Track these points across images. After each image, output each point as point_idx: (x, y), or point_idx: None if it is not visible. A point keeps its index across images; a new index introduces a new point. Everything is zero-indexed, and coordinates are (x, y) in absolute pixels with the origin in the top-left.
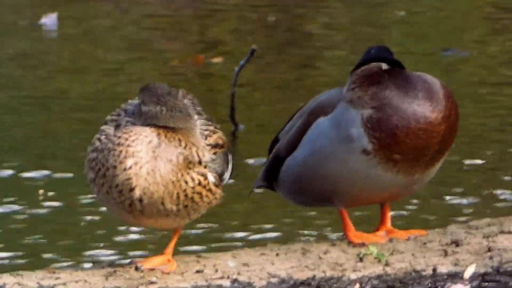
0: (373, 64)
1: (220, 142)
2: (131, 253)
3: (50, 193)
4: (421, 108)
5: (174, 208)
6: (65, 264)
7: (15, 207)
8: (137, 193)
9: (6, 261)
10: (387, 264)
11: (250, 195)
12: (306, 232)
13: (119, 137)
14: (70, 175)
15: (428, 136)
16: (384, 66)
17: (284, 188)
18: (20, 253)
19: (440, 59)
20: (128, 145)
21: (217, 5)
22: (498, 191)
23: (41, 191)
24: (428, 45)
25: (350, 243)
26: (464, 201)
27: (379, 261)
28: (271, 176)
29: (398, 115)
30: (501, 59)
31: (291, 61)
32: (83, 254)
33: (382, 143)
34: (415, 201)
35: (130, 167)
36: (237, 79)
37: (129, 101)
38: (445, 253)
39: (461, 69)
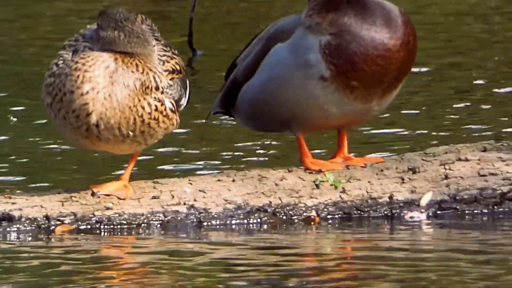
0: None
1: (178, 67)
2: (87, 179)
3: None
4: (380, 35)
5: (131, 133)
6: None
7: None
8: (94, 118)
9: None
10: (343, 191)
11: (207, 121)
12: (262, 158)
13: (76, 62)
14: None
15: (386, 63)
16: None
17: (241, 114)
18: None
19: None
20: (85, 70)
21: None
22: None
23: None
24: None
25: (306, 169)
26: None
27: (336, 188)
28: (228, 102)
29: (357, 42)
30: None
31: None
32: (39, 179)
33: (340, 70)
34: (371, 128)
35: (87, 92)
36: (196, 3)
37: (87, 26)
38: (402, 181)
39: None
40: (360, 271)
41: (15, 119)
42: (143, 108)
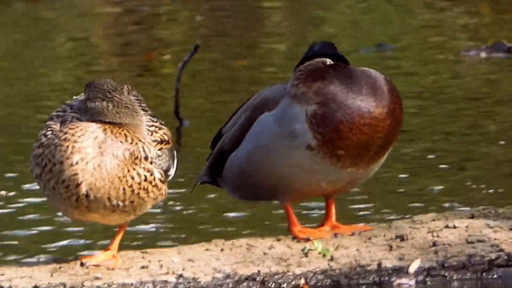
0: (317, 60)
1: (166, 138)
2: (76, 249)
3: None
4: (365, 103)
5: (120, 203)
6: (10, 259)
7: None
8: (83, 188)
9: None
10: (332, 259)
11: (193, 191)
12: (250, 227)
13: (66, 133)
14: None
15: (372, 131)
16: (328, 61)
17: (228, 183)
18: None
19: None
20: (75, 141)
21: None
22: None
23: (3, 192)
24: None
25: (295, 238)
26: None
27: (324, 256)
28: (214, 171)
29: (343, 110)
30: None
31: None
32: (28, 250)
33: (326, 139)
34: (359, 196)
35: (77, 163)
36: (181, 75)
37: (74, 97)
38: (390, 248)
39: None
40: None
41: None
42: (132, 178)
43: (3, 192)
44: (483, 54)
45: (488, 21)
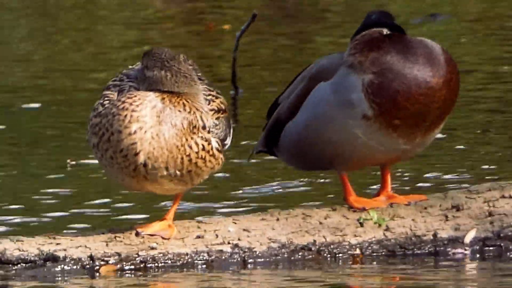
0: (374, 29)
1: (223, 107)
2: (132, 219)
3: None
4: (422, 73)
5: (178, 173)
6: (68, 227)
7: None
8: (141, 157)
9: (6, 227)
10: (387, 229)
11: (249, 160)
12: (306, 196)
13: (124, 102)
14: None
15: (428, 101)
16: (385, 31)
17: (284, 152)
18: (20, 217)
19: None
20: (133, 110)
21: None
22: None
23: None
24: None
25: (350, 208)
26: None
27: (379, 226)
28: (271, 141)
29: (399, 80)
30: None
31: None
32: (84, 219)
33: (383, 109)
34: (416, 166)
35: (135, 132)
36: (238, 44)
37: (130, 66)
38: (446, 218)
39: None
40: None
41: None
42: (190, 147)
43: (69, 161)
44: None
45: None
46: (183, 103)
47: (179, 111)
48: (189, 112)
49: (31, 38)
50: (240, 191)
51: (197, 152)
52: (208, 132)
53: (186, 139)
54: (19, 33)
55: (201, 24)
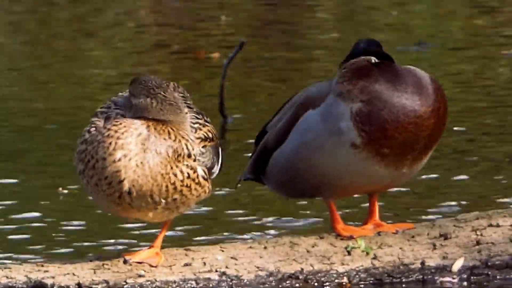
0: (362, 58)
1: (210, 135)
2: (119, 247)
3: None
4: (411, 102)
5: (163, 200)
6: (54, 254)
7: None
8: (126, 185)
9: None
10: (375, 258)
11: (236, 188)
12: (294, 224)
13: (109, 129)
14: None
15: (417, 130)
16: (373, 59)
17: (271, 180)
18: (7, 248)
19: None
20: (118, 137)
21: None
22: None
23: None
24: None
25: (338, 236)
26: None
27: (367, 254)
28: (258, 168)
29: (388, 109)
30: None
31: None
32: (71, 247)
33: (371, 137)
34: (403, 193)
35: (120, 159)
36: (226, 72)
37: (119, 93)
38: (434, 247)
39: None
40: None
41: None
42: (175, 175)
43: (60, 189)
44: None
45: None
46: (168, 131)
47: (164, 139)
48: (174, 140)
49: None
50: (228, 218)
51: (182, 180)
52: (194, 160)
53: (171, 167)
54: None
55: (191, 52)
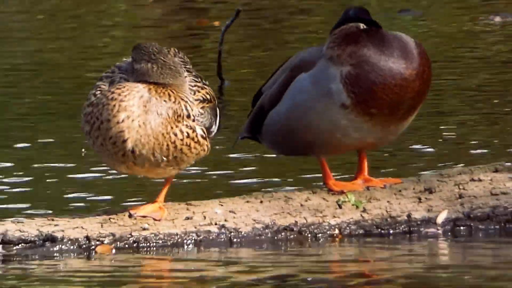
0: (351, 24)
1: (208, 97)
2: (125, 201)
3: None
4: (397, 65)
5: (164, 158)
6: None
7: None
8: (129, 144)
9: (9, 207)
10: (364, 211)
11: (234, 147)
12: (288, 180)
13: (113, 92)
14: None
15: (403, 92)
16: (362, 25)
17: (267, 139)
18: (21, 202)
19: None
20: (121, 100)
21: None
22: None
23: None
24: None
25: (329, 191)
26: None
27: (357, 207)
28: (255, 127)
29: (375, 72)
30: None
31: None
32: (80, 202)
33: (360, 98)
34: (389, 150)
35: (123, 121)
36: (223, 38)
37: (123, 59)
38: (419, 200)
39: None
40: (378, 284)
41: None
42: (175, 135)
43: (83, 150)
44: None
45: None
46: (168, 93)
47: (165, 101)
48: (174, 102)
49: None
50: (227, 175)
51: (181, 139)
52: (193, 120)
53: (171, 127)
54: None
55: (194, 20)
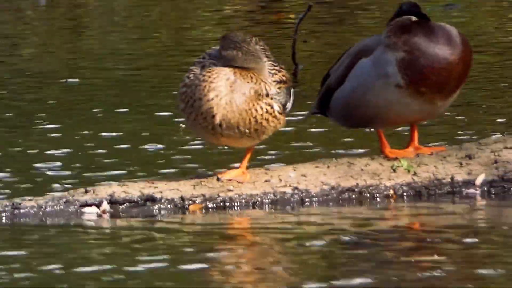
0: (405, 17)
1: (284, 78)
2: (214, 166)
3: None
4: (442, 52)
5: (247, 131)
6: (163, 174)
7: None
8: (217, 119)
9: (114, 173)
10: (415, 174)
11: (306, 119)
12: (351, 149)
13: (204, 75)
14: None
15: (447, 74)
16: (413, 18)
17: (334, 114)
18: (125, 167)
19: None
20: (211, 81)
21: None
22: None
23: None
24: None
25: (385, 157)
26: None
27: (409, 171)
28: (323, 104)
29: (425, 57)
30: None
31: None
32: (176, 167)
33: (412, 79)
34: (438, 123)
35: (212, 99)
36: (297, 29)
37: (212, 47)
38: (461, 165)
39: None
40: (426, 233)
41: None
42: (256, 110)
43: (182, 125)
44: None
45: None
46: (250, 76)
47: (248, 82)
48: (255, 83)
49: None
50: (299, 144)
51: (261, 115)
52: (271, 98)
53: (253, 104)
54: None
55: (273, 14)
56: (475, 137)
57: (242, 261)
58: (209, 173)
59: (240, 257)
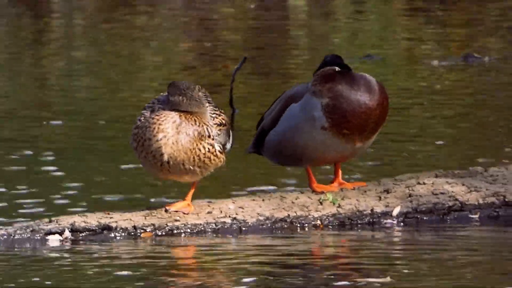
0: (329, 67)
1: (223, 121)
2: (163, 199)
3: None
4: (363, 98)
5: (191, 168)
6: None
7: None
8: (165, 157)
9: (74, 207)
10: (339, 206)
11: (243, 157)
12: (282, 184)
13: (153, 118)
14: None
15: (367, 117)
16: (337, 68)
17: (267, 152)
18: (83, 203)
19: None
20: (159, 124)
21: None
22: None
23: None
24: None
25: (313, 191)
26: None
27: (334, 204)
28: (258, 144)
29: (347, 103)
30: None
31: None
32: (132, 200)
33: (335, 122)
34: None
35: (161, 139)
36: (234, 78)
37: (161, 93)
38: (380, 198)
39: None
40: (351, 258)
41: None
42: (199, 150)
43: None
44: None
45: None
46: (194, 119)
47: (192, 124)
48: (199, 125)
49: None
50: (237, 181)
51: (204, 153)
52: (212, 139)
53: (197, 144)
54: None
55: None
56: (393, 174)
57: (183, 281)
58: (158, 205)
59: (182, 277)
